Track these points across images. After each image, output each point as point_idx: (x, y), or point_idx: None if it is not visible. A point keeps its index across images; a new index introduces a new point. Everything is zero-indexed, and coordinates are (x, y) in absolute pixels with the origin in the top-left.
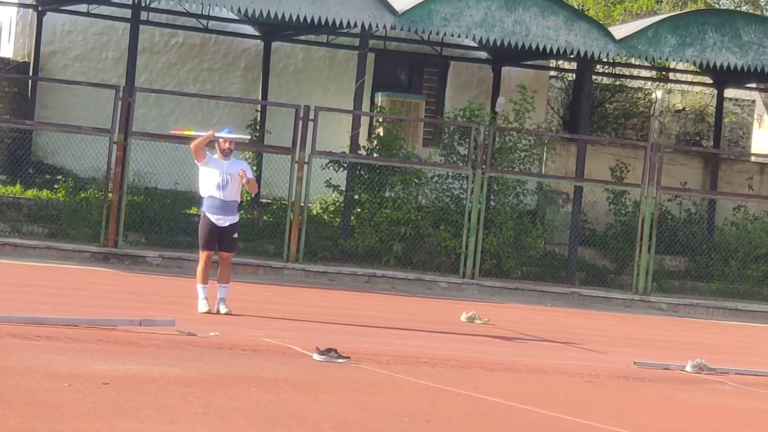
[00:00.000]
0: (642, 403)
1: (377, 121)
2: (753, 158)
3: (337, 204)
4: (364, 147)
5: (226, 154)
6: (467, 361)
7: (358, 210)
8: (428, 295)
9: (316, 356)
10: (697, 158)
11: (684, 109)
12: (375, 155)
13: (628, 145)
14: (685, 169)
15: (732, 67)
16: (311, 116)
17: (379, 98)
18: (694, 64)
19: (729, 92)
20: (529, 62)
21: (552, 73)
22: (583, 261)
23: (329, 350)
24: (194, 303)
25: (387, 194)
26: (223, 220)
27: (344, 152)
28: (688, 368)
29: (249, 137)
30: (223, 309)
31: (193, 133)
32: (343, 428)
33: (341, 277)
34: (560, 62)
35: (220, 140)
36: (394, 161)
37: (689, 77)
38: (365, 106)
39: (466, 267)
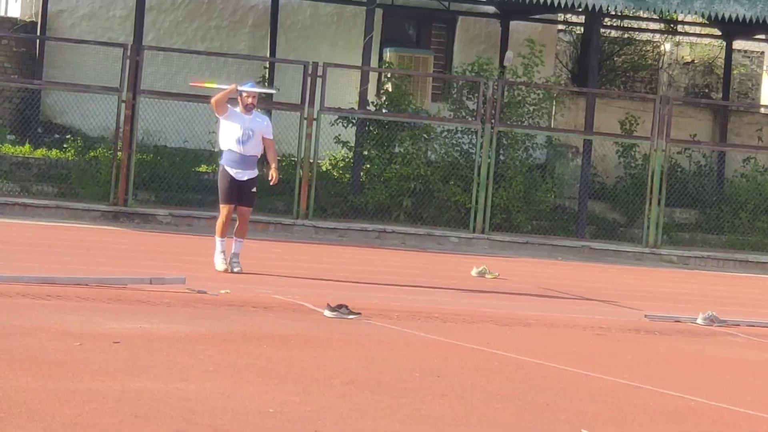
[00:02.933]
0: (653, 356)
1: (386, 76)
2: (762, 110)
3: (347, 160)
4: (372, 103)
5: (249, 109)
6: (478, 315)
7: (368, 166)
8: (438, 250)
9: (326, 312)
10: (706, 110)
11: (693, 61)
12: (384, 111)
13: (637, 98)
14: (694, 122)
15: (740, 19)
16: (319, 72)
17: (388, 53)
18: (703, 16)
19: (738, 44)
20: (537, 16)
21: (560, 26)
22: (593, 214)
23: (340, 306)
24: (205, 261)
25: (396, 150)
26: (242, 174)
27: (353, 108)
28: (699, 320)
29: (274, 90)
30: (236, 267)
31: (214, 85)
32: (354, 384)
33: (351, 233)
34: (568, 16)
35: (243, 94)
36: (403, 116)
37: (698, 29)
38: (373, 61)
39: (476, 222)
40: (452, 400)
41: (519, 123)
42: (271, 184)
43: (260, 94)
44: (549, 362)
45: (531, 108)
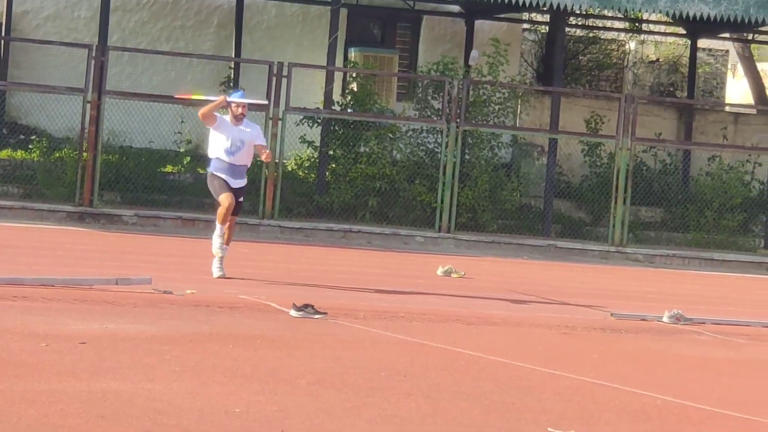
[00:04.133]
0: (619, 355)
1: (351, 76)
2: (727, 108)
3: (312, 160)
4: (338, 102)
5: (239, 119)
6: (444, 315)
7: (333, 165)
8: (404, 250)
9: (292, 312)
10: (671, 109)
11: (658, 60)
12: (349, 110)
13: (602, 96)
14: (659, 120)
15: (705, 17)
16: (285, 72)
17: (353, 53)
18: (667, 14)
19: (702, 42)
20: (502, 15)
21: (525, 25)
22: (559, 213)
23: (306, 306)
24: (171, 261)
25: (361, 149)
26: (232, 182)
27: (318, 108)
28: (665, 319)
29: (266, 102)
30: (217, 273)
31: (201, 97)
32: (321, 383)
33: (317, 233)
34: (533, 15)
35: (233, 105)
36: (368, 116)
37: (662, 28)
38: (338, 61)
39: (442, 221)
40: (418, 399)
41: (484, 122)
42: (266, 159)
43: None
44: (515, 361)
45: (496, 107)
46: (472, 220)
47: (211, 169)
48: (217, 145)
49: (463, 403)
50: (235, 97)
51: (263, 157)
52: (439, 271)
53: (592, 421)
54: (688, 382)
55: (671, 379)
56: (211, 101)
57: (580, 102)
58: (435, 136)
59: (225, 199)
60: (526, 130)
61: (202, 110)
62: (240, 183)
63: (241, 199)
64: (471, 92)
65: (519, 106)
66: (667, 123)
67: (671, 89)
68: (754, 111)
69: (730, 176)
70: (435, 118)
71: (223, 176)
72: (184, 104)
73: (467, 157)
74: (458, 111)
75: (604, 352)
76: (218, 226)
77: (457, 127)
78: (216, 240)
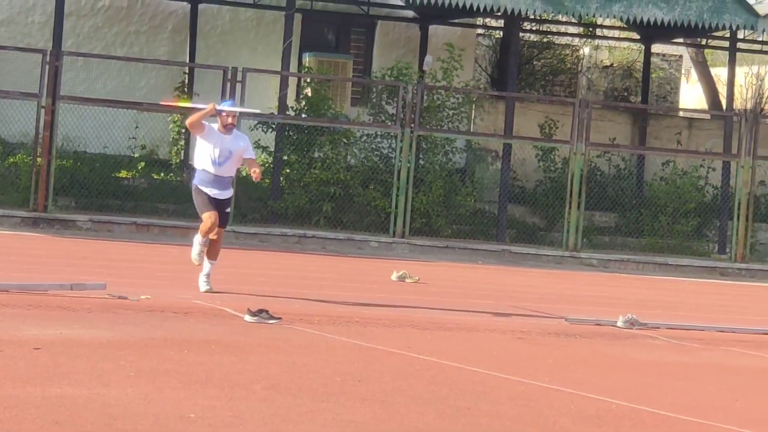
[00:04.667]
0: (574, 359)
1: (305, 81)
2: (681, 113)
3: (267, 165)
4: (292, 108)
5: (228, 129)
6: (399, 320)
7: (288, 171)
8: (359, 255)
9: (247, 317)
10: (625, 114)
11: (612, 65)
12: (303, 116)
13: (556, 101)
14: (613, 125)
15: (659, 23)
16: (239, 78)
17: (307, 58)
18: (621, 19)
19: (656, 47)
20: (456, 20)
21: (479, 31)
22: (513, 218)
23: (260, 311)
24: (126, 266)
25: (316, 154)
26: (217, 194)
27: (273, 113)
28: (620, 323)
29: (258, 110)
30: (204, 287)
31: (189, 104)
32: (276, 389)
33: (271, 238)
34: (487, 20)
35: (223, 114)
36: (322, 121)
37: (616, 33)
38: (293, 66)
39: (396, 226)
40: (373, 404)
41: (438, 127)
42: (255, 178)
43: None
44: (470, 366)
45: (450, 112)
46: (427, 225)
47: (195, 182)
48: (204, 156)
49: (419, 407)
50: (225, 106)
51: (253, 176)
52: (394, 276)
53: (547, 426)
54: (643, 387)
55: (626, 383)
56: (199, 109)
57: (534, 107)
58: (389, 141)
59: (208, 218)
60: (480, 135)
61: (190, 118)
62: (225, 194)
63: (228, 209)
64: (425, 97)
65: (473, 111)
66: (622, 128)
67: (625, 94)
68: (707, 116)
69: (684, 181)
70: (389, 123)
71: (207, 189)
72: (139, 110)
73: (421, 162)
74: (412, 116)
75: (559, 356)
76: (198, 235)
77: (412, 132)
78: (196, 247)
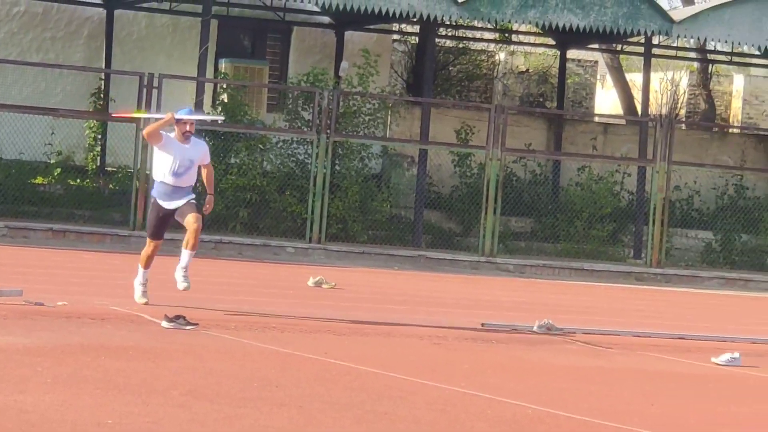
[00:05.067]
0: (491, 364)
1: (221, 87)
2: (596, 119)
3: None
4: (208, 113)
5: (187, 137)
6: (315, 325)
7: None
8: (275, 261)
9: (164, 323)
10: (541, 119)
11: (527, 70)
12: (219, 121)
13: (472, 107)
14: (529, 131)
15: (574, 28)
16: (155, 84)
17: (223, 65)
18: (537, 25)
19: (572, 53)
20: (372, 26)
21: (395, 36)
22: (430, 224)
23: (177, 317)
24: (42, 272)
25: (232, 160)
26: (174, 204)
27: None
28: (536, 328)
29: (221, 118)
30: (183, 283)
31: (144, 115)
32: (193, 394)
33: None
34: (403, 26)
35: (181, 122)
36: (238, 127)
37: (532, 39)
38: (209, 72)
39: (313, 232)
40: (291, 410)
41: (354, 133)
42: (205, 212)
43: (199, 121)
44: (387, 371)
45: (366, 118)
46: (343, 231)
47: (153, 194)
48: (163, 166)
49: (336, 413)
50: (182, 114)
51: (205, 209)
52: (310, 282)
53: (464, 431)
54: (559, 392)
55: (542, 388)
56: (156, 119)
57: (450, 112)
58: (305, 147)
59: (149, 246)
60: (396, 140)
61: (147, 129)
62: (181, 203)
63: (191, 201)
64: (341, 103)
65: (389, 117)
66: (537, 133)
67: (541, 100)
68: (623, 121)
69: (599, 186)
70: (305, 129)
71: (165, 203)
72: (55, 116)
73: (338, 167)
74: (328, 122)
75: (476, 361)
76: (139, 270)
77: (328, 138)
78: (137, 288)
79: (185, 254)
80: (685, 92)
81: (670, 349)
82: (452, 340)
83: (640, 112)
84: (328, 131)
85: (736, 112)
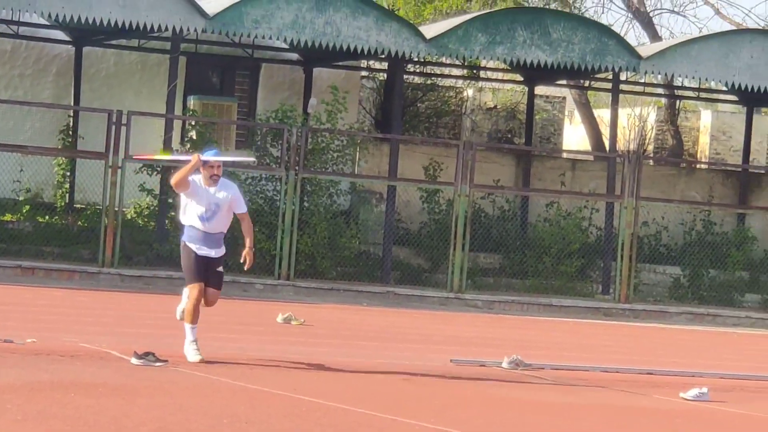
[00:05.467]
0: (460, 400)
1: (190, 124)
2: (565, 155)
3: (152, 208)
4: (177, 151)
5: (214, 180)
6: (285, 362)
7: (173, 214)
8: (244, 297)
9: (133, 360)
10: (509, 155)
11: (495, 106)
12: (251, 163)
13: (440, 143)
14: (497, 167)
15: (542, 65)
16: (124, 120)
17: (192, 101)
18: (505, 61)
19: (540, 89)
20: (340, 63)
21: (363, 73)
22: (398, 260)
23: (147, 354)
24: (11, 310)
25: None
26: (205, 251)
27: (253, 159)
28: (505, 364)
29: (253, 159)
30: (196, 356)
31: (168, 156)
32: (163, 431)
33: (157, 281)
34: (371, 62)
35: (207, 165)
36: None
37: (500, 75)
38: (178, 109)
39: (281, 268)
40: None
41: (323, 169)
42: (246, 268)
43: (227, 164)
44: (356, 407)
45: (335, 154)
46: (312, 268)
47: (184, 238)
48: (190, 211)
49: None
50: (209, 156)
51: (244, 260)
52: (279, 319)
53: None
54: (528, 427)
55: (511, 423)
56: (182, 163)
57: (418, 149)
58: (274, 183)
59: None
60: (364, 177)
61: (175, 177)
62: (217, 252)
63: (220, 268)
64: (310, 140)
65: (357, 154)
66: (506, 169)
67: (509, 136)
68: (591, 157)
69: (567, 222)
70: (274, 166)
71: (195, 247)
72: (24, 153)
73: (306, 204)
74: (297, 158)
75: (445, 397)
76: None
77: (296, 174)
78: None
79: (192, 331)
80: (652, 128)
81: (638, 384)
82: (421, 376)
83: (608, 148)
84: (297, 168)
85: (703, 147)
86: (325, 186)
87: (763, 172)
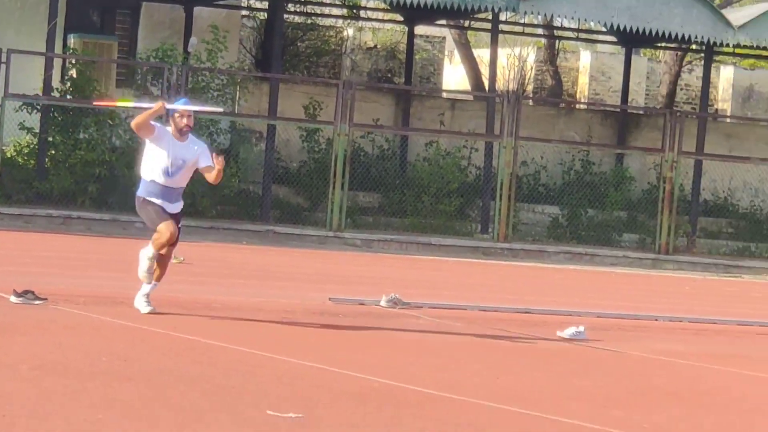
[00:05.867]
0: (338, 339)
1: (70, 62)
2: (444, 94)
3: (32, 146)
4: (57, 89)
5: (183, 132)
6: (164, 300)
7: (53, 152)
8: (124, 236)
9: (12, 298)
10: (389, 95)
11: (375, 46)
12: (68, 97)
13: (320, 83)
14: (377, 106)
15: (421, 4)
16: (3, 59)
17: (72, 40)
18: (385, 1)
19: (420, 29)
20: (220, 2)
21: (244, 12)
22: (278, 199)
23: (26, 292)
24: None
25: (81, 136)
26: (167, 206)
27: (38, 94)
28: (383, 303)
29: (221, 110)
30: (146, 308)
31: (131, 104)
32: (42, 369)
33: (37, 219)
34: (252, 1)
35: (175, 114)
36: (87, 103)
37: (380, 15)
38: (58, 48)
39: None
40: (139, 383)
41: None
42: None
43: (197, 113)
44: (235, 346)
45: (215, 93)
46: (191, 206)
47: (141, 194)
48: (154, 164)
49: (184, 387)
50: (178, 105)
51: (210, 177)
52: None
53: (311, 404)
54: (406, 365)
55: (389, 362)
56: (145, 108)
57: (298, 88)
58: (154, 122)
59: (166, 229)
60: (244, 116)
61: (136, 119)
62: (176, 207)
63: (180, 224)
64: (190, 79)
65: (238, 93)
66: (385, 109)
67: (389, 75)
68: (470, 97)
69: (447, 162)
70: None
71: (158, 202)
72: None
73: None
74: (177, 97)
75: (323, 335)
76: (151, 248)
77: None
78: (144, 262)
79: (148, 286)
80: (532, 68)
81: (516, 323)
82: (300, 314)
83: (487, 88)
84: None
85: (582, 88)
86: (205, 124)
87: (641, 113)
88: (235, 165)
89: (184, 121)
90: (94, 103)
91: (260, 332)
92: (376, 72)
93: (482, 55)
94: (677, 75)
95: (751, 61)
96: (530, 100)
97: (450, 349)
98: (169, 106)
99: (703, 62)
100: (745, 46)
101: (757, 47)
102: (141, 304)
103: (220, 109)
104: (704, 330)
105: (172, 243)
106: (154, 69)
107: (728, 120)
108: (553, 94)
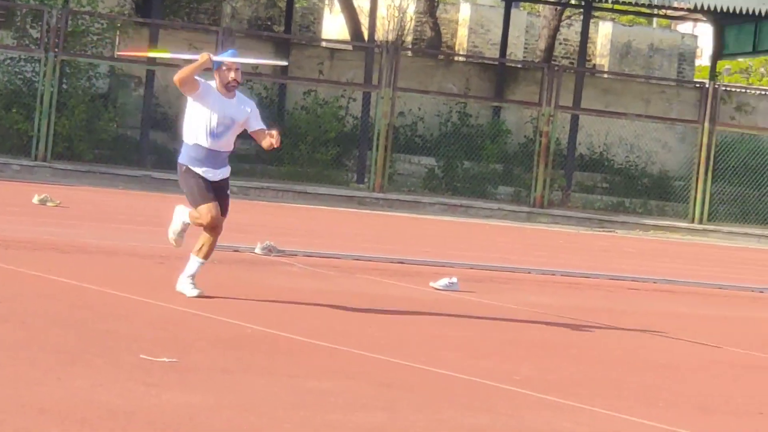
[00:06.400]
0: (212, 285)
1: None
2: (324, 44)
3: None
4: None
5: (230, 88)
6: (40, 243)
7: None
8: (0, 178)
9: None
10: (268, 43)
11: None
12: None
13: (200, 29)
14: (256, 55)
15: None
16: None
17: None
18: None
19: None
20: None
21: None
22: (156, 144)
23: None
24: None
25: None
26: (212, 173)
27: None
28: (258, 250)
29: (285, 63)
30: (193, 291)
31: (167, 54)
32: None
33: None
34: None
35: (223, 68)
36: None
37: None
38: None
39: (38, 150)
40: (14, 325)
41: (83, 52)
42: (275, 143)
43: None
44: (110, 290)
45: (95, 38)
46: (69, 150)
47: (183, 161)
48: (198, 124)
49: (59, 329)
50: (225, 57)
51: (265, 144)
52: (35, 200)
53: (185, 349)
54: (280, 313)
55: (263, 309)
56: (189, 60)
57: (178, 34)
58: (33, 65)
59: (207, 213)
60: (123, 60)
61: (179, 73)
62: (222, 173)
63: (229, 191)
64: (70, 22)
65: (118, 37)
66: (265, 57)
67: (269, 23)
68: (349, 47)
69: (324, 111)
70: (33, 48)
71: (201, 170)
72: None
73: (65, 86)
74: (57, 40)
75: (197, 281)
76: (188, 219)
77: (55, 56)
78: (177, 223)
79: (196, 262)
80: (411, 19)
81: (389, 272)
82: (174, 259)
83: (366, 38)
84: (56, 50)
85: (462, 40)
86: (84, 69)
87: (519, 66)
88: (113, 110)
89: (232, 75)
90: (120, 54)
91: (135, 276)
92: (257, 20)
93: (362, 5)
94: (556, 29)
95: (630, 17)
96: (409, 51)
97: (323, 297)
98: (215, 57)
99: (582, 17)
100: (623, 2)
101: (636, 4)
102: (186, 287)
103: (285, 63)
104: (576, 284)
105: (213, 227)
106: (33, 11)
107: (605, 75)
108: (432, 46)
